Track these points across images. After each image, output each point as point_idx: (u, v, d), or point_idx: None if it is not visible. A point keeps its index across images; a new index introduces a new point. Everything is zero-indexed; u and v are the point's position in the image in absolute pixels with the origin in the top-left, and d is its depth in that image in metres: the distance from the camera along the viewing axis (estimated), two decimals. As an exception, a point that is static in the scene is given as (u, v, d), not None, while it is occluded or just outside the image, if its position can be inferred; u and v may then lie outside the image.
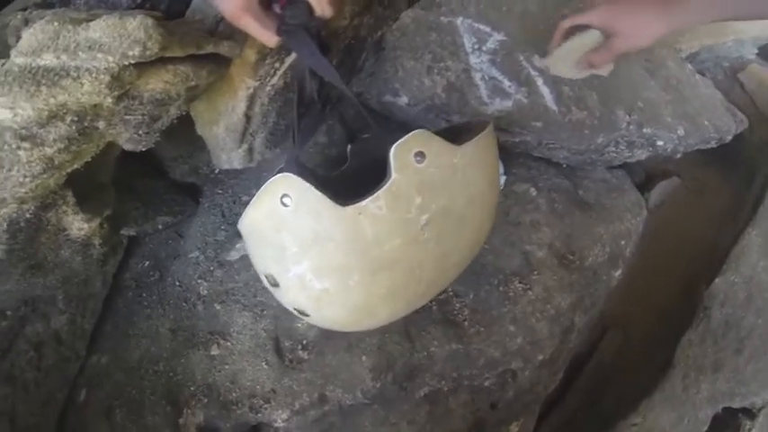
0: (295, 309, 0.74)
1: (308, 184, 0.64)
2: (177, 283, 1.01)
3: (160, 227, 1.04)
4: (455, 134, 0.73)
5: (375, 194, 0.63)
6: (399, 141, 0.63)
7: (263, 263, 0.74)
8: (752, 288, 1.19)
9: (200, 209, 1.07)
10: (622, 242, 1.11)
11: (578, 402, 1.24)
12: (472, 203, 0.72)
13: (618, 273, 1.11)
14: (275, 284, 0.72)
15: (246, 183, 1.09)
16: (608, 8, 0.80)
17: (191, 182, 1.10)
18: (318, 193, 0.64)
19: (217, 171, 1.08)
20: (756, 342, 1.17)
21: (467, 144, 0.69)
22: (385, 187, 0.63)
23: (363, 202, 0.64)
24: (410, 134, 0.64)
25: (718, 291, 1.20)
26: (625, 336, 1.30)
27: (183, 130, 0.90)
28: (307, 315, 0.74)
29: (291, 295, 0.73)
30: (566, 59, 0.93)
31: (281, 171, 0.68)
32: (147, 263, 1.05)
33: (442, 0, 1.02)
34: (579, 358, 1.27)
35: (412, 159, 0.64)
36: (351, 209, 0.64)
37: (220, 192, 1.07)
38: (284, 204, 0.65)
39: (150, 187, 1.05)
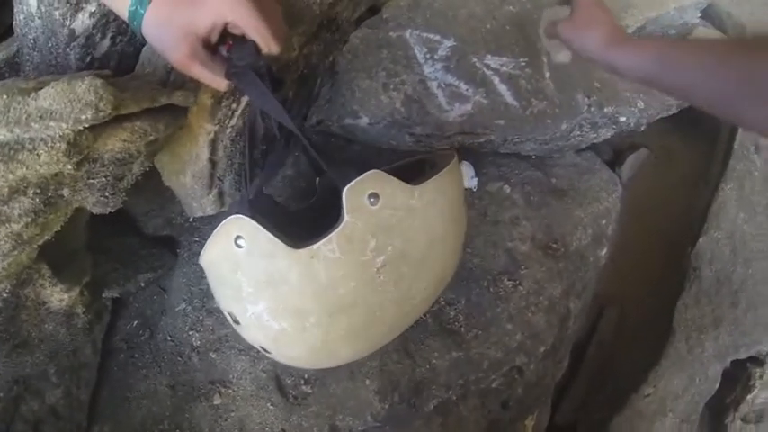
0: (259, 346, 0.74)
1: (259, 227, 0.63)
2: (169, 338, 1.00)
3: (142, 284, 1.03)
4: (418, 169, 0.72)
5: (328, 237, 0.62)
6: (351, 183, 0.62)
7: (224, 301, 0.73)
8: (735, 241, 1.22)
9: (180, 260, 1.06)
10: (603, 221, 1.12)
11: (587, 386, 1.25)
12: (433, 245, 0.70)
13: (604, 252, 1.12)
14: (237, 322, 0.72)
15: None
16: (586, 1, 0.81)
17: (166, 234, 1.08)
18: (270, 236, 0.63)
19: (191, 220, 1.07)
20: (751, 292, 1.20)
21: (425, 184, 0.68)
22: (337, 230, 0.62)
23: (316, 246, 0.62)
24: (363, 175, 0.63)
25: (703, 250, 1.22)
26: (622, 312, 1.31)
27: (151, 184, 0.89)
28: (269, 353, 0.73)
29: (252, 334, 0.72)
30: (544, 21, 0.92)
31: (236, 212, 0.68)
32: (136, 322, 1.03)
33: (389, 16, 1.03)
34: (581, 342, 1.27)
35: (365, 201, 0.63)
36: (304, 252, 0.62)
37: (197, 240, 1.06)
38: (238, 246, 0.65)
39: (126, 246, 1.04)
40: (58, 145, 0.63)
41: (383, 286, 0.67)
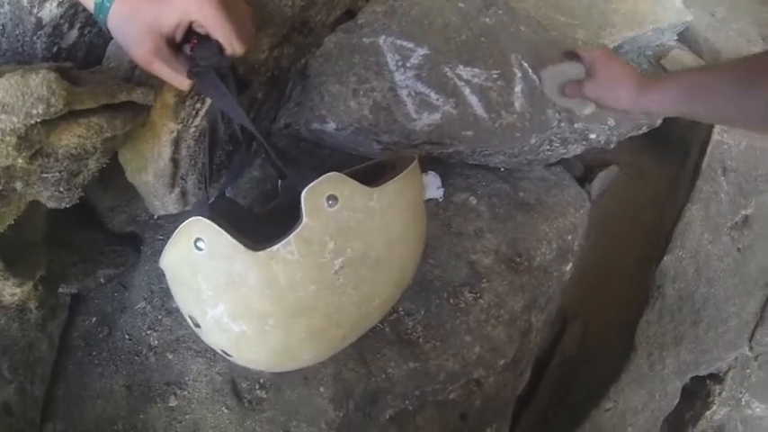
0: (220, 349, 0.73)
1: (219, 228, 0.63)
2: (127, 337, 0.98)
3: (102, 280, 1.01)
4: (379, 171, 0.72)
5: (287, 239, 0.62)
6: (310, 185, 0.62)
7: (184, 304, 0.73)
8: (699, 260, 1.24)
9: (143, 257, 1.04)
10: (569, 237, 1.13)
11: (548, 399, 1.26)
12: (392, 246, 0.71)
13: (569, 267, 1.13)
14: (197, 325, 0.71)
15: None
16: (602, 54, 0.85)
17: (130, 231, 1.07)
18: (229, 238, 0.62)
19: (156, 217, 1.06)
20: (712, 310, 1.22)
21: (384, 186, 0.68)
22: (296, 232, 0.62)
23: (275, 247, 0.62)
24: (321, 177, 0.63)
25: (667, 268, 1.24)
26: (585, 326, 1.32)
27: (117, 180, 0.88)
28: (230, 356, 0.73)
29: (212, 337, 0.72)
30: (551, 78, 0.96)
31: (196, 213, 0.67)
32: (95, 319, 1.01)
33: (365, 21, 1.03)
34: (544, 355, 1.28)
35: (324, 203, 0.63)
36: (263, 254, 0.62)
37: (161, 237, 1.05)
38: (198, 248, 0.64)
39: (88, 240, 1.02)
40: (9, 138, 0.62)
41: (342, 288, 0.67)
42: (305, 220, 0.62)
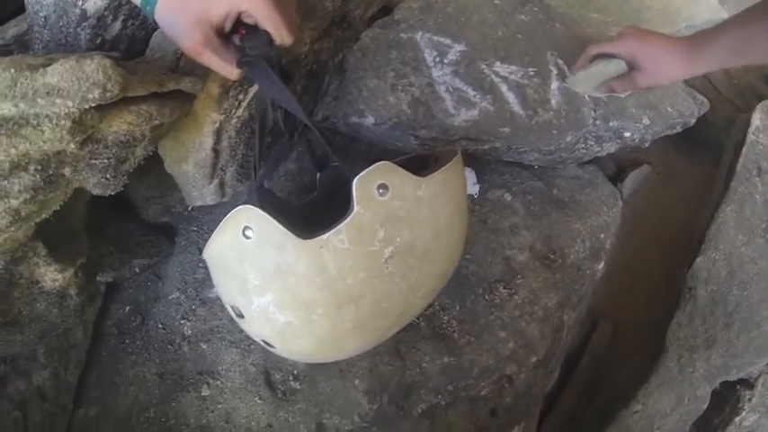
0: (262, 340, 0.73)
1: (269, 217, 0.63)
2: (160, 326, 0.99)
3: (137, 270, 1.02)
4: (422, 164, 0.72)
5: (337, 228, 0.62)
6: (362, 174, 0.63)
7: (228, 293, 0.73)
8: (733, 263, 1.22)
9: (177, 248, 1.05)
10: (602, 235, 1.12)
11: (576, 398, 1.25)
12: (438, 237, 0.71)
13: (601, 266, 1.12)
14: (240, 315, 0.71)
15: (221, 218, 1.06)
16: (637, 43, 0.86)
17: (165, 222, 1.08)
18: (279, 226, 0.63)
19: (190, 209, 1.07)
20: (744, 314, 1.20)
21: (431, 176, 0.68)
22: (347, 220, 0.62)
23: (325, 236, 0.62)
24: (373, 166, 0.63)
25: (700, 270, 1.22)
26: (615, 326, 1.31)
27: (153, 170, 0.89)
28: (273, 347, 0.73)
29: (256, 327, 0.72)
30: (587, 81, 0.97)
31: (244, 202, 0.67)
32: (128, 308, 1.03)
33: (401, 17, 1.03)
34: (574, 353, 1.27)
35: (375, 192, 0.64)
36: (312, 242, 0.63)
37: (195, 229, 1.06)
38: (246, 236, 0.64)
39: (124, 231, 1.03)
40: (63, 122, 0.62)
41: (390, 277, 0.68)
42: (356, 208, 0.62)
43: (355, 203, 0.63)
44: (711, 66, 0.81)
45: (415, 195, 0.67)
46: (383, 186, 0.64)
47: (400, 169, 0.65)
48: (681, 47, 0.82)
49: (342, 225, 0.63)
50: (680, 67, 0.82)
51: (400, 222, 0.66)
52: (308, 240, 0.63)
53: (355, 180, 0.63)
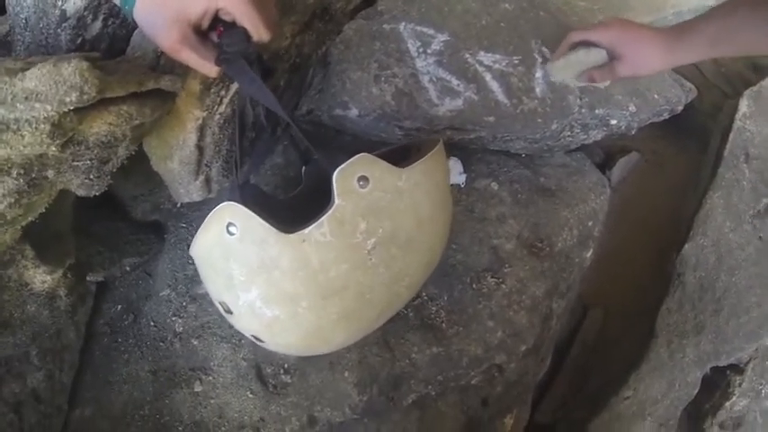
0: (251, 335, 0.74)
1: (251, 213, 0.63)
2: (152, 324, 1.00)
3: (128, 269, 1.02)
4: (405, 154, 0.72)
5: (319, 221, 0.63)
6: (341, 167, 0.63)
7: (216, 290, 0.73)
8: (721, 249, 1.22)
9: (167, 245, 1.06)
10: (590, 223, 1.12)
11: (567, 386, 1.26)
12: (421, 226, 0.72)
13: (589, 253, 1.13)
14: (229, 312, 0.72)
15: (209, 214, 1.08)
16: (618, 32, 0.86)
17: (154, 219, 1.08)
18: (262, 222, 0.63)
19: (179, 205, 1.07)
20: (733, 300, 1.21)
21: (412, 167, 0.69)
22: (328, 213, 0.63)
23: (307, 230, 0.63)
24: (353, 159, 0.64)
25: (688, 256, 1.23)
26: (605, 313, 1.32)
27: (140, 169, 0.89)
28: (262, 341, 0.74)
29: (244, 322, 0.73)
30: (567, 69, 0.97)
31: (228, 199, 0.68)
32: (120, 306, 1.03)
33: (385, 8, 1.03)
34: (564, 341, 1.28)
35: (355, 184, 0.64)
36: (295, 236, 0.63)
37: (184, 225, 1.06)
38: (230, 233, 0.65)
39: (112, 229, 1.04)
40: (43, 126, 0.63)
41: (374, 268, 0.68)
42: (337, 201, 0.63)
43: (336, 196, 0.63)
44: (692, 57, 0.81)
45: (395, 186, 0.67)
46: (363, 178, 0.64)
47: (380, 161, 0.66)
48: (661, 37, 0.82)
49: (323, 218, 0.63)
50: (660, 58, 0.82)
51: (381, 213, 0.66)
52: (291, 235, 0.63)
53: (335, 173, 0.63)
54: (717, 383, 1.25)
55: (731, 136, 1.25)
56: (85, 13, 0.81)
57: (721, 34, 0.76)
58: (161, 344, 0.98)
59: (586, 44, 0.91)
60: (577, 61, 0.93)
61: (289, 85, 0.96)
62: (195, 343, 0.96)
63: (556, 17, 1.12)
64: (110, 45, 0.85)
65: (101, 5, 0.81)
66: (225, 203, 0.66)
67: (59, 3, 0.79)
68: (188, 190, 0.91)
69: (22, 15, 0.83)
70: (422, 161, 0.70)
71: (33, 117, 0.62)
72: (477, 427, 1.00)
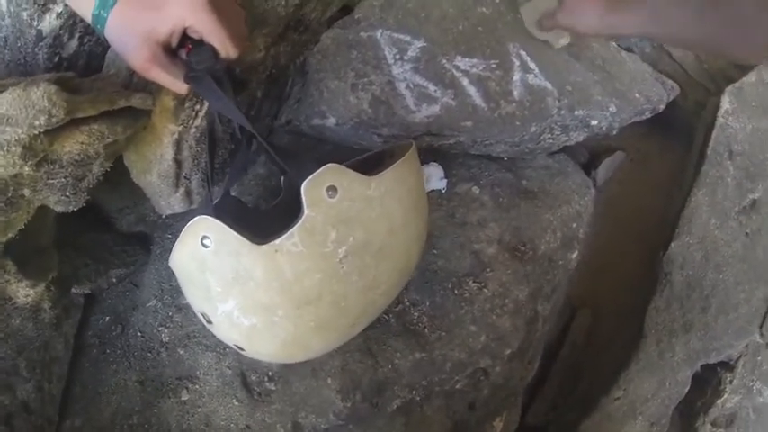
0: (233, 344, 0.75)
1: (224, 225, 0.64)
2: (139, 334, 1.01)
3: (114, 280, 1.04)
4: (379, 160, 0.73)
5: (290, 232, 0.64)
6: (309, 178, 0.64)
7: (196, 301, 0.75)
8: (707, 246, 1.22)
9: (152, 256, 1.07)
10: (573, 224, 1.12)
11: (557, 388, 1.26)
12: (394, 233, 0.72)
13: (575, 255, 1.12)
14: (209, 322, 0.73)
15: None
16: None
17: (139, 231, 1.09)
18: (234, 234, 0.64)
19: (164, 217, 1.08)
20: (721, 297, 1.21)
21: (381, 174, 0.69)
22: (298, 224, 0.64)
23: (278, 241, 0.64)
24: (320, 170, 0.65)
25: (675, 255, 1.22)
26: (594, 314, 1.32)
27: (125, 181, 0.91)
28: (243, 350, 0.75)
29: (224, 331, 0.74)
30: (529, 14, 1.00)
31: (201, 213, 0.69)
32: (108, 318, 1.04)
33: (361, 15, 1.03)
34: (554, 344, 1.28)
35: (324, 194, 0.65)
36: (267, 247, 0.64)
37: (170, 236, 1.07)
38: (204, 245, 0.66)
39: (98, 242, 1.05)
40: (14, 149, 0.64)
41: (347, 276, 0.69)
42: (306, 211, 0.64)
43: (305, 207, 0.64)
44: (631, 26, 0.80)
45: (365, 195, 0.68)
46: (332, 188, 0.65)
47: (348, 170, 0.67)
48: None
49: (293, 229, 0.64)
50: (599, 15, 0.81)
51: (352, 222, 0.67)
52: (263, 246, 0.64)
53: (303, 184, 0.64)
54: (708, 381, 1.25)
55: (714, 133, 1.24)
56: (61, 32, 0.82)
57: (662, 7, 0.76)
58: (148, 354, 0.99)
59: None
60: (534, 8, 0.95)
61: (266, 96, 0.96)
62: (181, 352, 0.97)
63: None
64: (87, 62, 0.87)
65: (76, 24, 0.82)
66: (198, 217, 0.67)
67: (35, 23, 0.81)
68: (169, 202, 0.92)
69: (1, 35, 0.84)
70: (391, 168, 0.71)
71: (5, 140, 0.64)
72: (465, 431, 1.00)
